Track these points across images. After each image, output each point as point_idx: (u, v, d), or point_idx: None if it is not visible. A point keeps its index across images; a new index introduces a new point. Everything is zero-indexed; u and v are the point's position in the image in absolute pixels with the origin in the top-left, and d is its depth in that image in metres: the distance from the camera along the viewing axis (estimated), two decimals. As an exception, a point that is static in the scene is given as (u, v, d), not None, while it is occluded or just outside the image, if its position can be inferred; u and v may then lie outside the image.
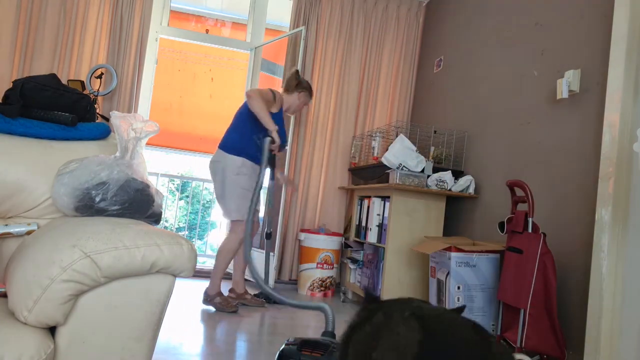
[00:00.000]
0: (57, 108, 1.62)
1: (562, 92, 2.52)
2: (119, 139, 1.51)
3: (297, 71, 3.51)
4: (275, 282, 4.17)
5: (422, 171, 3.34)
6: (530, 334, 2.20)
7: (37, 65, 3.84)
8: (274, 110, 3.25)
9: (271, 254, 3.45)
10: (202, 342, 2.47)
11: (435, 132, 3.70)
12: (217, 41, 4.79)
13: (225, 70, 5.38)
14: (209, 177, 3.30)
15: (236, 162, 3.15)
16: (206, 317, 2.98)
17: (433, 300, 2.86)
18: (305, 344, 1.65)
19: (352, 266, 3.83)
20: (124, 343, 1.16)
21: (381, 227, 3.42)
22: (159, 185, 3.07)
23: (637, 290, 2.11)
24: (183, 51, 5.37)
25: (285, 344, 1.61)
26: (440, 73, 4.12)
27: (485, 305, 2.70)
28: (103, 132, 1.72)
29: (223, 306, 3.14)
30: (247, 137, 3.18)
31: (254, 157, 3.19)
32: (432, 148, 3.61)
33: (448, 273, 2.69)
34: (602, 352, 2.12)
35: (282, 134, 3.25)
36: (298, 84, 3.45)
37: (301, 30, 4.12)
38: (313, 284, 3.98)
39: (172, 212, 5.17)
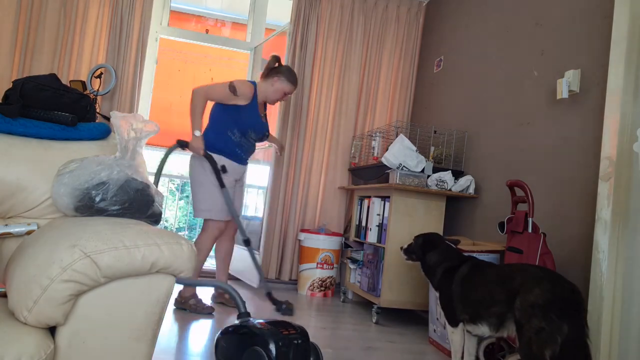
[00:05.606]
0: (57, 108, 1.62)
1: (562, 92, 2.52)
2: (119, 139, 1.51)
3: (274, 57, 3.27)
4: (274, 281, 4.18)
5: (422, 171, 3.34)
6: (530, 334, 2.19)
7: (37, 65, 3.84)
8: (242, 102, 3.09)
9: (255, 253, 3.36)
10: (202, 342, 2.47)
11: (435, 132, 3.70)
12: (217, 41, 4.80)
13: (226, 71, 5.38)
14: None
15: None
16: (206, 316, 2.97)
17: (433, 301, 2.86)
18: (278, 325, 1.64)
19: (352, 266, 3.83)
20: (124, 343, 1.16)
21: (381, 227, 3.42)
22: (159, 186, 3.05)
23: (637, 290, 2.11)
24: (183, 51, 5.38)
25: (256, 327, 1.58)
26: (440, 73, 4.12)
27: (485, 305, 2.70)
28: (103, 132, 1.72)
29: (197, 308, 3.03)
30: (222, 135, 3.11)
31: (232, 154, 3.14)
32: (432, 148, 3.61)
33: (448, 273, 2.69)
34: (602, 352, 2.12)
35: (257, 125, 3.18)
36: (273, 69, 3.23)
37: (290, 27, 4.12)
38: (313, 284, 3.98)
39: (172, 212, 5.17)
